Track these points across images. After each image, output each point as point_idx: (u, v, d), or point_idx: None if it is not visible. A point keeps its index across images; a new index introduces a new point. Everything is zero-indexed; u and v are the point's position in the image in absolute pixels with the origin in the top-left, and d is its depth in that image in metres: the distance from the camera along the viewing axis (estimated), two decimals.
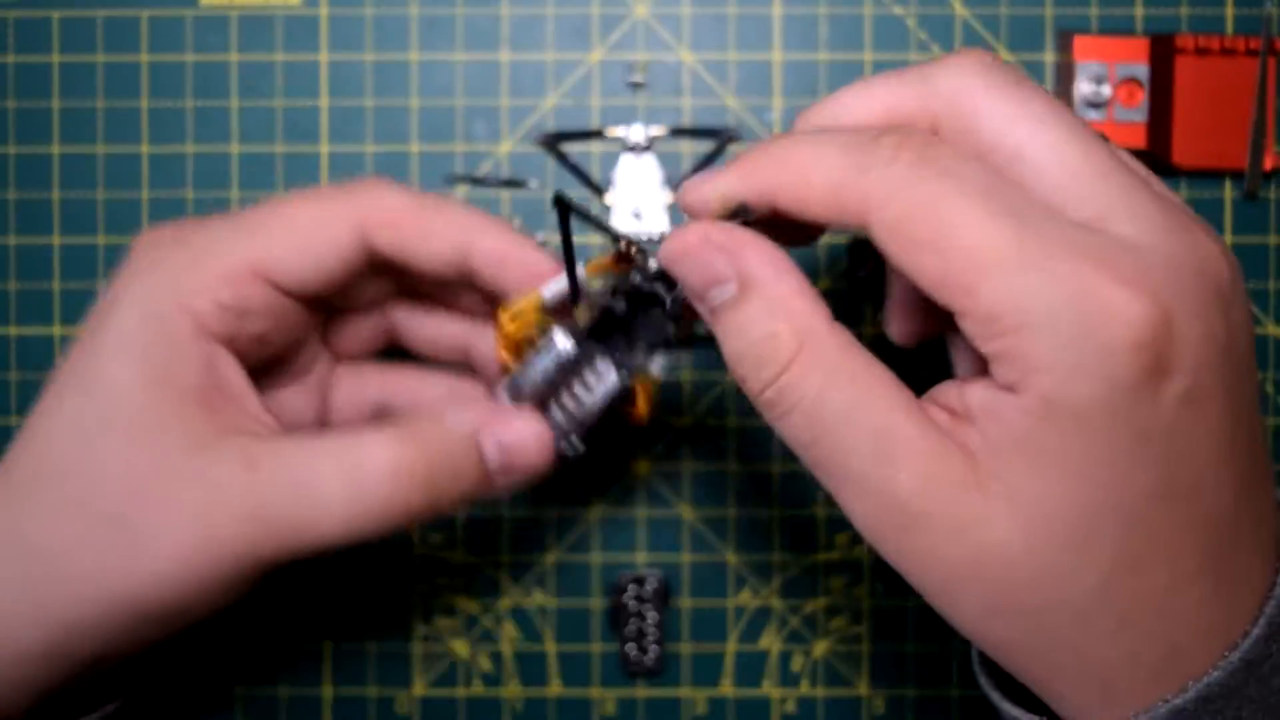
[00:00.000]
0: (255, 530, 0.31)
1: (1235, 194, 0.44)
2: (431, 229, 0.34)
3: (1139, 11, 0.44)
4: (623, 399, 0.34)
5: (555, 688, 0.45)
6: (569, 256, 0.34)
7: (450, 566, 0.45)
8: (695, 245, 0.29)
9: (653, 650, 0.44)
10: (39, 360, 0.45)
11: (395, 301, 0.38)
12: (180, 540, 0.31)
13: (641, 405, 0.35)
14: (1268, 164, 0.42)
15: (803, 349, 0.28)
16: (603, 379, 0.34)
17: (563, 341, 0.33)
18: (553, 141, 0.34)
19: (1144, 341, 0.25)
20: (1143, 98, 0.42)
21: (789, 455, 0.44)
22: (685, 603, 0.45)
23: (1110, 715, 0.27)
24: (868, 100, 0.30)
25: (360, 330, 0.39)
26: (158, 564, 0.31)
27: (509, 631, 0.45)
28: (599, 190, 0.35)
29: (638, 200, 0.34)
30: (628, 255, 0.33)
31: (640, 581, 0.44)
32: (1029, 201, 0.26)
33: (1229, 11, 0.44)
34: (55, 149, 0.45)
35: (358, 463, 0.31)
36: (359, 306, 0.38)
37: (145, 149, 0.45)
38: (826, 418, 0.27)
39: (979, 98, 0.28)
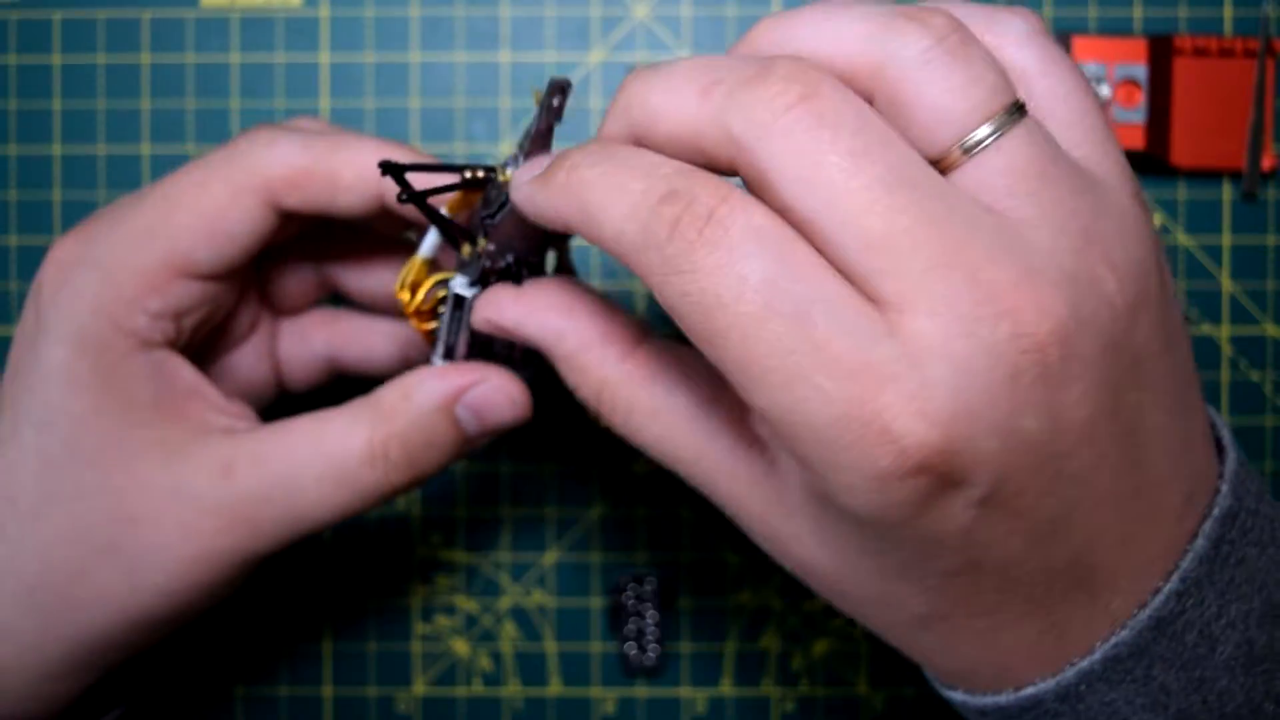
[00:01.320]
0: (243, 532, 0.31)
1: (1234, 195, 0.44)
2: (337, 180, 0.32)
3: (1137, 12, 0.44)
4: None
5: (555, 687, 0.45)
6: (428, 212, 0.32)
7: (450, 566, 0.45)
8: (508, 325, 0.31)
9: (652, 650, 0.44)
10: None
11: (327, 247, 0.38)
12: (175, 556, 0.31)
13: None
14: (1266, 164, 0.42)
15: (601, 404, 0.29)
16: None
17: (460, 286, 0.33)
18: (396, 171, 0.30)
19: (912, 468, 0.22)
20: (1141, 98, 0.43)
21: None
22: (685, 602, 0.45)
23: (1012, 688, 0.27)
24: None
25: (296, 284, 0.38)
26: (158, 581, 0.31)
27: (509, 631, 0.45)
28: (468, 237, 0.32)
29: (519, 249, 0.32)
30: (474, 180, 0.32)
31: (640, 581, 0.44)
32: (814, 290, 0.23)
33: (1227, 13, 0.44)
34: (56, 149, 0.45)
35: (334, 452, 0.31)
36: (283, 248, 0.37)
37: (146, 149, 0.45)
38: (650, 449, 0.29)
39: (783, 147, 0.23)
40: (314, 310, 0.39)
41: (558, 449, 0.45)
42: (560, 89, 0.30)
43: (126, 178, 0.44)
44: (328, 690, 0.45)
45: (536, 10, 0.44)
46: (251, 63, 0.45)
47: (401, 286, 0.33)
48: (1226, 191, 0.44)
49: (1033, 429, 0.23)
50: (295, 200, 0.32)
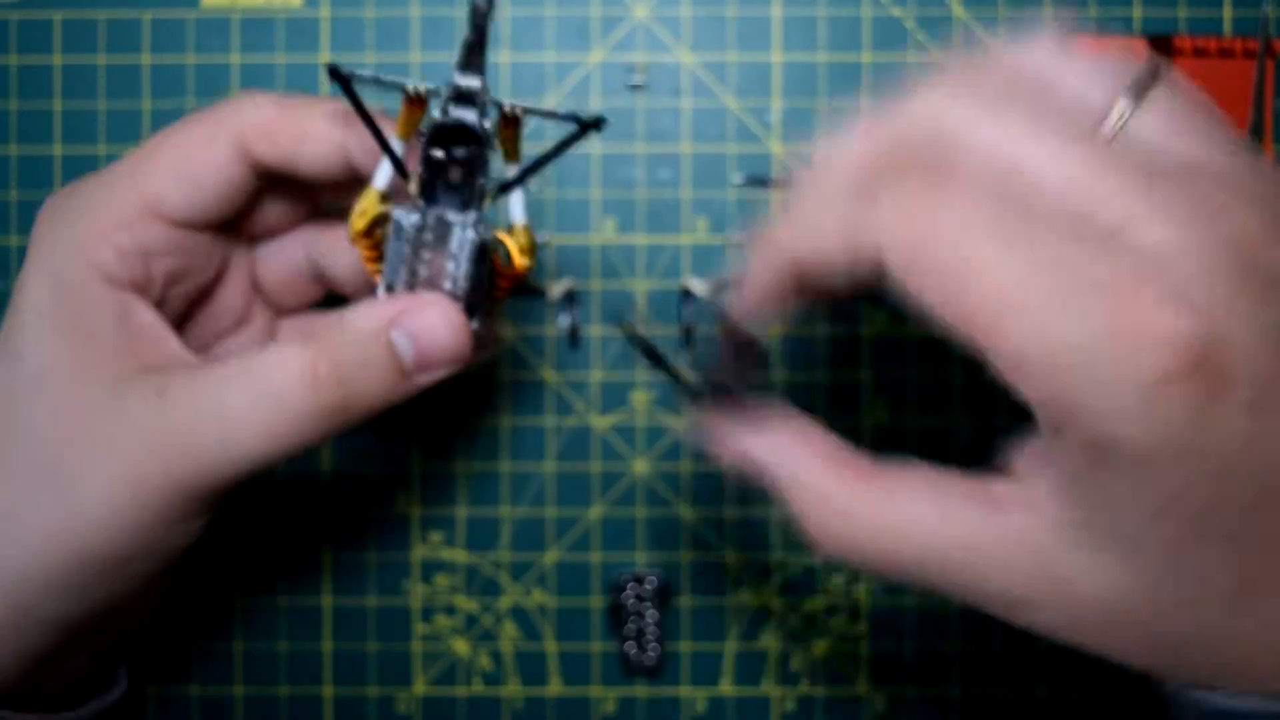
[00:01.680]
0: (171, 456, 0.31)
1: None
2: (304, 132, 0.33)
3: (1137, 13, 0.44)
4: (484, 254, 0.33)
5: (555, 687, 0.45)
6: (374, 129, 0.32)
7: (450, 566, 0.45)
8: (731, 462, 0.31)
9: (652, 649, 0.44)
10: None
11: (312, 231, 0.38)
12: (105, 481, 0.31)
13: (516, 257, 0.34)
14: None
15: (826, 529, 0.29)
16: (459, 238, 0.32)
17: (400, 215, 0.32)
18: (344, 80, 0.31)
19: (1187, 367, 0.22)
20: None
21: None
22: (685, 602, 0.45)
23: None
24: (847, 156, 0.28)
25: (287, 276, 0.38)
26: (91, 509, 0.31)
27: (509, 631, 0.45)
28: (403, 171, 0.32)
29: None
30: (418, 97, 0.32)
31: (640, 581, 0.44)
32: (1041, 226, 0.24)
33: (1227, 13, 0.44)
34: (57, 150, 0.45)
35: (263, 373, 0.31)
36: (273, 229, 0.37)
37: None
38: (898, 570, 0.28)
39: (958, 125, 0.26)
40: (313, 311, 0.39)
41: (557, 449, 0.45)
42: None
43: None
44: (328, 689, 0.45)
45: (536, 10, 0.45)
46: (252, 63, 0.45)
47: (354, 216, 0.33)
48: None
49: (1276, 317, 0.23)
50: (265, 148, 0.33)
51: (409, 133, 0.33)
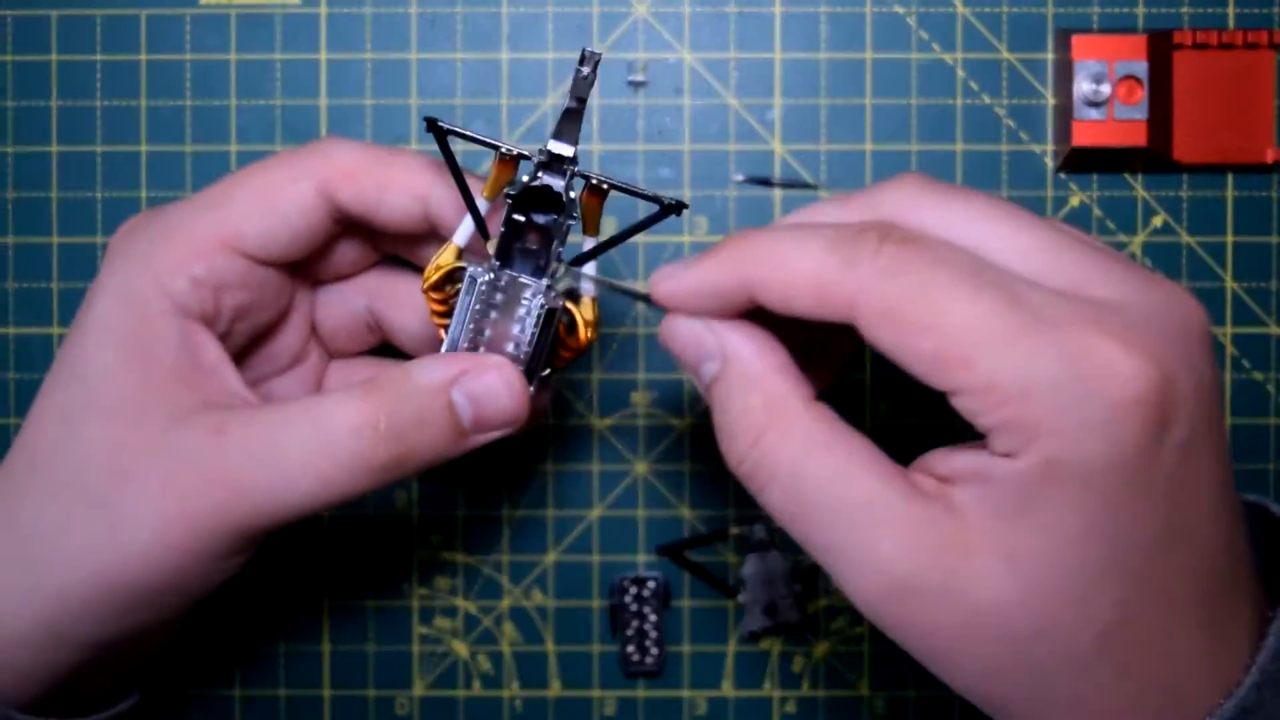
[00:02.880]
0: (224, 496, 0.31)
1: (1236, 190, 0.44)
2: (389, 180, 0.34)
3: (1140, 10, 0.44)
4: (551, 321, 0.33)
5: (555, 689, 0.45)
6: (462, 186, 0.33)
7: (450, 567, 0.45)
8: (687, 322, 0.30)
9: (653, 651, 0.44)
10: (37, 360, 0.44)
11: (375, 282, 0.38)
12: (156, 513, 0.31)
13: (582, 329, 0.34)
14: (1269, 157, 0.42)
15: (774, 421, 0.28)
16: (529, 303, 0.33)
17: (475, 271, 0.33)
18: (439, 131, 0.32)
19: (1145, 397, 0.25)
20: (1142, 95, 0.42)
21: None
22: (685, 603, 0.45)
23: None
24: (829, 218, 0.30)
25: (346, 322, 0.38)
26: (139, 540, 0.31)
27: (509, 632, 0.45)
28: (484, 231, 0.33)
29: None
30: (510, 159, 0.32)
31: (640, 582, 0.44)
32: (1012, 276, 0.27)
33: (1231, 9, 0.44)
34: (54, 148, 0.44)
35: (322, 420, 0.31)
36: (340, 273, 0.37)
37: (144, 148, 0.44)
38: (805, 489, 0.28)
39: (924, 210, 0.29)
40: (364, 357, 0.40)
41: (557, 449, 0.45)
42: (591, 60, 0.31)
43: (124, 176, 0.44)
44: (327, 691, 0.45)
45: (537, 8, 0.44)
46: (250, 61, 0.44)
47: (430, 268, 0.34)
48: (1230, 187, 0.44)
49: (1207, 377, 0.27)
50: (348, 194, 0.34)
51: (496, 192, 0.33)
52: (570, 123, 0.32)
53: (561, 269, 0.33)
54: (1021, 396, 0.25)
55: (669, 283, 0.30)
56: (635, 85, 0.44)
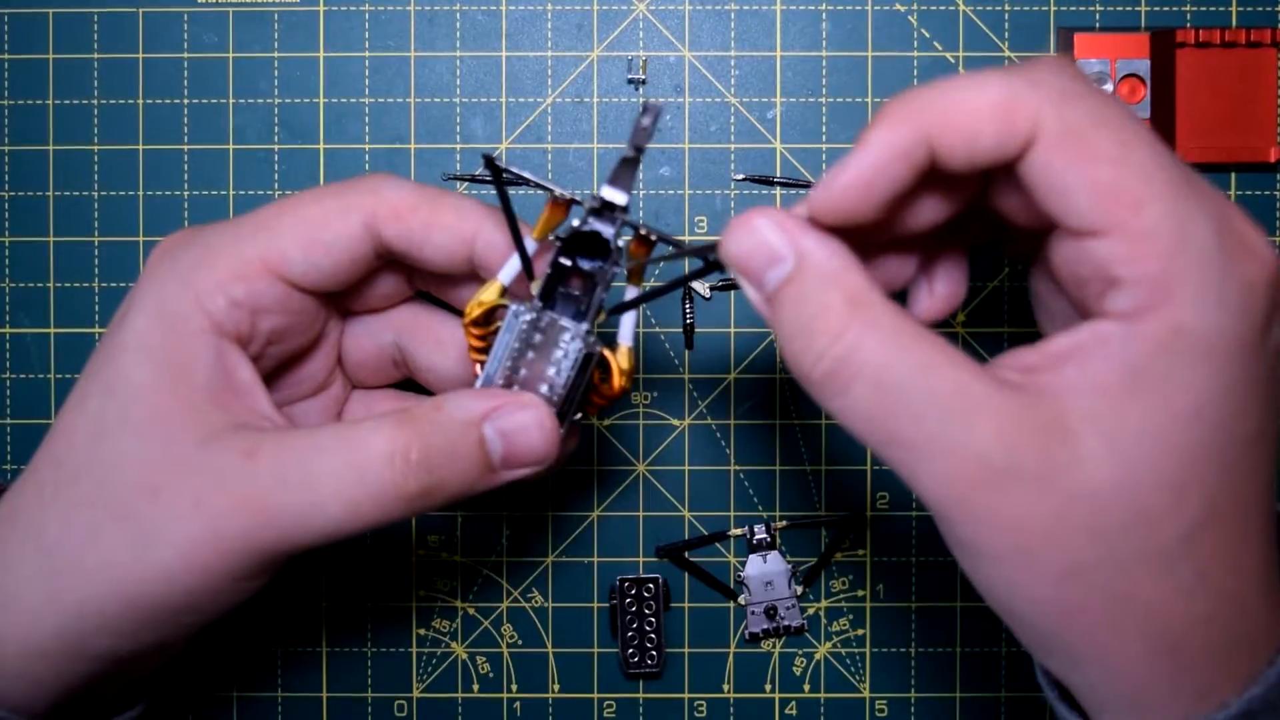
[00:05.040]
0: (254, 518, 0.31)
1: (1239, 189, 0.44)
2: (436, 221, 0.34)
3: (1143, 9, 0.44)
4: (588, 366, 0.33)
5: (555, 690, 0.45)
6: (513, 225, 0.33)
7: (450, 568, 0.45)
8: (756, 223, 0.29)
9: (653, 653, 0.44)
10: (34, 360, 0.44)
11: (406, 319, 0.38)
12: (182, 532, 0.31)
13: (616, 378, 0.34)
14: (1272, 155, 0.42)
15: (857, 315, 0.27)
16: (567, 346, 0.33)
17: (518, 308, 0.33)
18: (495, 167, 0.32)
19: (1274, 281, 0.26)
20: (1145, 94, 0.42)
21: (789, 457, 0.44)
22: (686, 605, 0.45)
23: (1178, 699, 0.27)
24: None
25: (372, 355, 0.38)
26: (163, 557, 0.31)
27: (508, 633, 0.45)
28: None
29: None
30: (562, 201, 0.33)
31: (640, 583, 0.44)
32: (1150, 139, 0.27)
33: (1233, 9, 0.44)
34: (50, 147, 0.44)
35: (355, 447, 0.31)
36: (372, 307, 0.38)
37: (141, 147, 0.44)
38: (893, 382, 0.27)
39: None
40: (387, 390, 0.40)
41: None
42: (653, 112, 0.31)
43: (122, 175, 0.44)
44: (326, 692, 0.45)
45: (536, 5, 0.44)
46: (247, 58, 0.44)
47: (472, 304, 0.34)
48: (1233, 185, 0.44)
49: None
50: (393, 231, 0.34)
51: (545, 234, 0.33)
52: (627, 171, 0.32)
53: (602, 316, 0.33)
54: (1175, 252, 0.25)
55: (844, 178, 0.28)
56: (635, 83, 0.44)
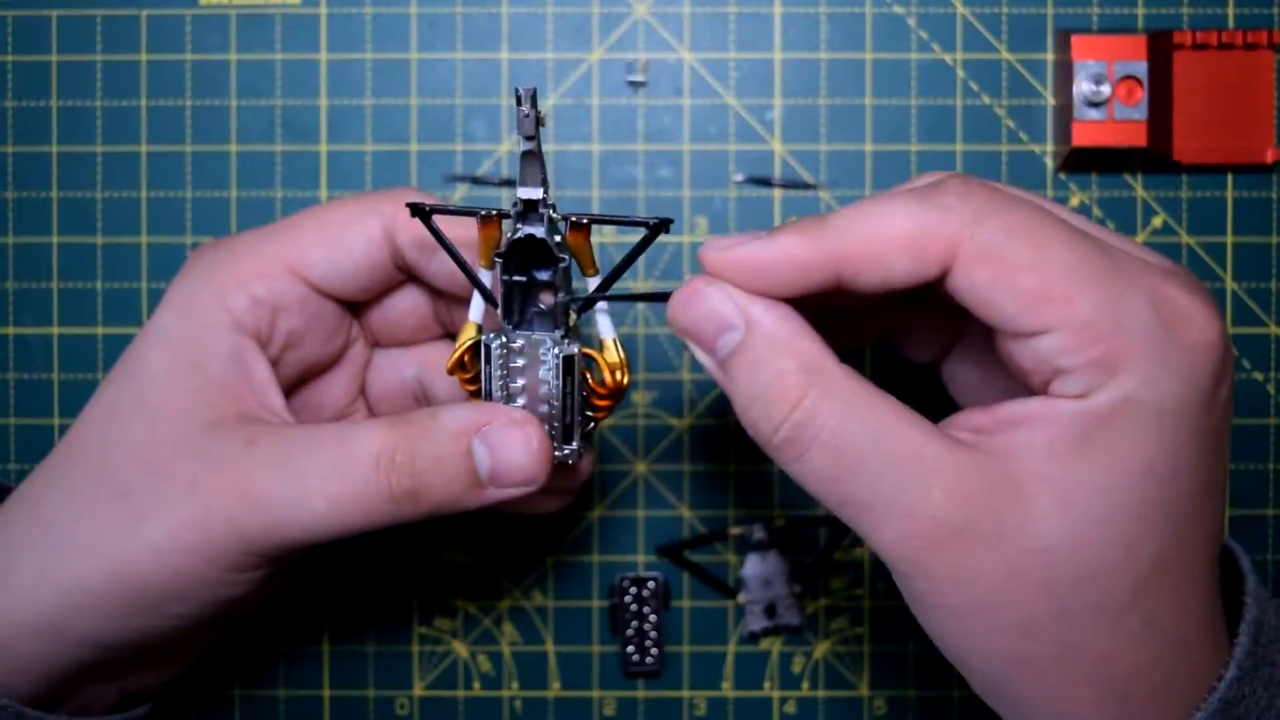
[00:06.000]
0: (242, 502, 0.31)
1: (1236, 190, 0.44)
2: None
3: (1140, 10, 0.44)
4: (571, 368, 0.33)
5: (555, 689, 0.45)
6: (458, 260, 0.33)
7: (450, 567, 0.45)
8: (704, 291, 0.29)
9: (653, 651, 0.44)
10: (38, 360, 0.44)
11: (431, 356, 0.38)
12: (176, 510, 0.31)
13: (608, 373, 0.34)
14: (1269, 157, 0.42)
15: (813, 382, 0.28)
16: (547, 357, 0.33)
17: (487, 338, 0.33)
18: (423, 214, 0.32)
19: (1216, 344, 0.27)
20: (1142, 95, 0.42)
21: None
22: (685, 604, 0.45)
23: None
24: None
25: (394, 387, 0.39)
26: (153, 534, 0.31)
27: (509, 632, 0.45)
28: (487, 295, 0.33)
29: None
30: (490, 217, 0.32)
31: (640, 582, 0.44)
32: (1088, 226, 0.29)
33: (1230, 10, 0.44)
34: (54, 148, 0.44)
35: (345, 445, 0.32)
36: (393, 335, 0.38)
37: (144, 148, 0.44)
38: (849, 446, 0.28)
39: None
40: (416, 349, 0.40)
41: None
42: (527, 97, 0.30)
43: (124, 176, 0.44)
44: (327, 691, 0.45)
45: (536, 8, 0.44)
46: (250, 61, 0.44)
47: (452, 352, 0.34)
48: (1230, 187, 0.44)
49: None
50: (405, 239, 0.35)
51: (489, 257, 0.33)
52: (530, 165, 0.31)
53: (572, 316, 0.33)
54: (1114, 333, 0.26)
55: (738, 251, 0.29)
56: (635, 85, 0.44)
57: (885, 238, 0.28)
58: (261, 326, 0.34)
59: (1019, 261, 0.27)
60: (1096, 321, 0.26)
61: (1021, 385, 0.29)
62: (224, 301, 0.34)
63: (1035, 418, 0.27)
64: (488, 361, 0.33)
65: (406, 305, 0.37)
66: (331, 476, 0.31)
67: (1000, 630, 0.27)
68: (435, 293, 0.37)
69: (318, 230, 0.34)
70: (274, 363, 0.35)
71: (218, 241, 0.35)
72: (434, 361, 0.38)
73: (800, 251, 0.28)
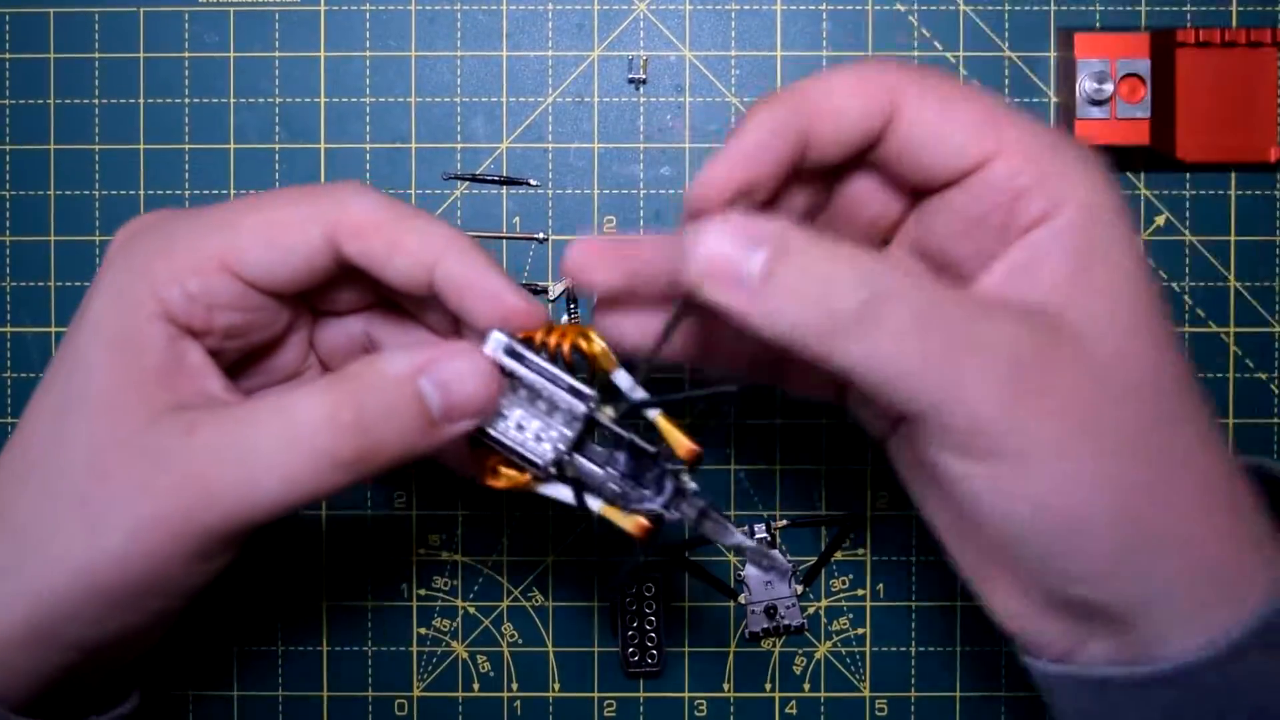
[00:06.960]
0: (195, 498, 0.30)
1: (1239, 189, 0.44)
2: (398, 244, 0.33)
3: (1143, 8, 0.44)
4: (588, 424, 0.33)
5: (555, 689, 0.45)
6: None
7: (450, 567, 0.45)
8: (724, 217, 0.28)
9: (653, 652, 0.44)
10: (34, 359, 0.44)
11: (377, 312, 0.37)
12: (130, 516, 0.31)
13: (599, 357, 0.32)
14: (1272, 155, 0.42)
15: (867, 252, 0.28)
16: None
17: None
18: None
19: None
20: (1145, 93, 0.42)
21: (790, 456, 0.44)
22: (686, 604, 0.45)
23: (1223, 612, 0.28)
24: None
25: (343, 345, 0.38)
26: (115, 542, 0.31)
27: (509, 632, 0.45)
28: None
29: None
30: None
31: (641, 582, 0.44)
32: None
33: (1234, 8, 0.44)
34: (51, 146, 0.44)
35: (291, 413, 0.31)
36: (339, 310, 0.37)
37: (142, 146, 0.44)
38: (925, 301, 0.28)
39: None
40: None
41: None
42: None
43: (122, 175, 0.44)
44: (327, 691, 0.45)
45: (537, 5, 0.44)
46: (248, 58, 0.44)
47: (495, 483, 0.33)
48: (1233, 185, 0.44)
49: None
50: (354, 248, 0.33)
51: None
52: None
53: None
54: (1053, 149, 0.29)
55: (722, 157, 0.30)
56: (635, 83, 0.44)
57: (836, 84, 0.30)
58: (196, 320, 0.33)
59: (958, 95, 0.29)
60: (1040, 135, 0.29)
61: (978, 258, 0.30)
62: (157, 294, 0.32)
63: (1027, 264, 0.29)
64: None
65: (350, 293, 0.36)
66: (277, 452, 0.30)
67: (1109, 455, 0.28)
68: (382, 285, 0.36)
69: (257, 230, 0.33)
70: (215, 352, 0.34)
71: (151, 222, 0.34)
72: (381, 317, 0.37)
73: (772, 118, 0.29)
